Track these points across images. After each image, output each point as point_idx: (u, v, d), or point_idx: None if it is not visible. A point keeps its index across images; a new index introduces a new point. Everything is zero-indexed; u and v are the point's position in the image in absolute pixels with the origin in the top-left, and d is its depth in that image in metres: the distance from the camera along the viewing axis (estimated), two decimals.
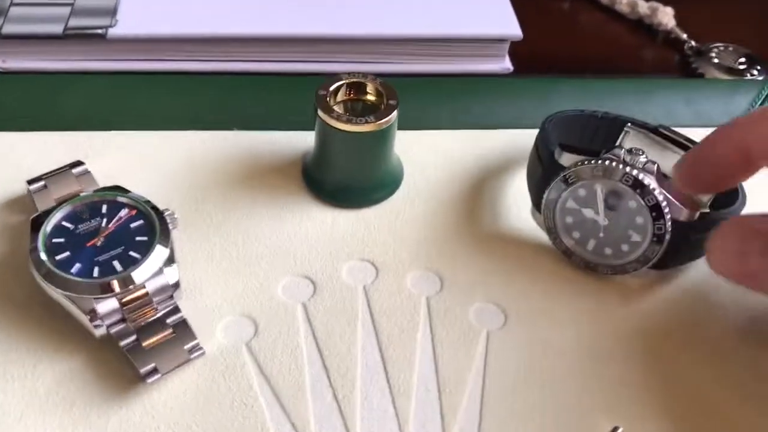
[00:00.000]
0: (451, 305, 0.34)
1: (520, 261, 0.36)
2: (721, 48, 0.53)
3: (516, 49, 0.49)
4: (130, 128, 0.40)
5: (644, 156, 0.32)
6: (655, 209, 0.32)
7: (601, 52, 0.53)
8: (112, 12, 0.46)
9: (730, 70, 0.51)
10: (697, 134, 0.43)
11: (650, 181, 0.32)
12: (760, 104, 0.45)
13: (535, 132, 0.41)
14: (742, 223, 0.30)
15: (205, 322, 0.32)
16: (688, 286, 0.35)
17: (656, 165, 0.32)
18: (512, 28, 0.48)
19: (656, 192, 0.32)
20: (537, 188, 0.36)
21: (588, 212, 0.34)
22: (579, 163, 0.33)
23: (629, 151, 0.33)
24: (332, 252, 0.36)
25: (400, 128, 0.41)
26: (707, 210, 0.34)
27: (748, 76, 0.51)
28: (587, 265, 0.35)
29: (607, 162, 0.32)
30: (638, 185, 0.32)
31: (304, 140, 0.40)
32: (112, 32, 0.45)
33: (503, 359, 0.32)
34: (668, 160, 0.37)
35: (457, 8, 0.49)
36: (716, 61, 0.52)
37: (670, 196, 0.32)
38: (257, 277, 0.34)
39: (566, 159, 0.34)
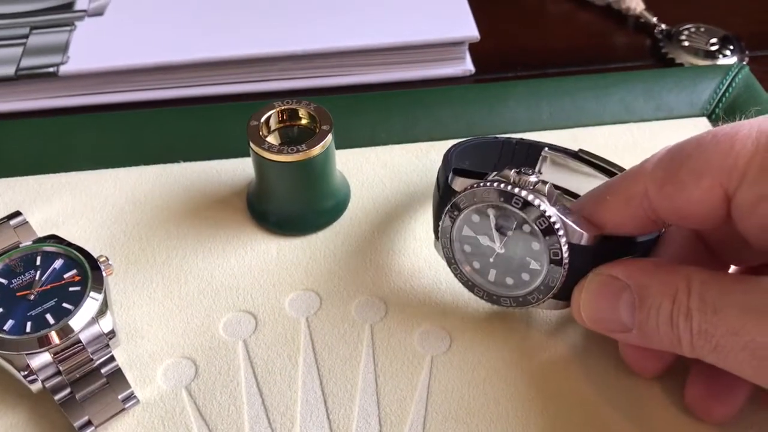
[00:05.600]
0: (396, 331, 0.33)
1: None
2: (692, 29, 0.51)
3: (480, 46, 0.48)
4: (76, 169, 0.40)
5: (534, 176, 0.30)
6: (548, 232, 0.29)
7: (570, 43, 0.52)
8: (64, 49, 0.47)
9: (702, 53, 0.50)
10: (660, 127, 0.42)
11: (540, 202, 0.29)
12: (725, 90, 0.43)
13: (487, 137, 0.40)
14: (608, 278, 0.29)
15: (146, 368, 0.32)
16: None
17: (548, 185, 0.29)
18: (467, 30, 0.47)
19: (547, 213, 0.29)
20: (435, 217, 0.33)
21: (484, 239, 0.31)
22: (468, 187, 0.30)
23: (518, 171, 0.30)
24: (276, 284, 0.35)
25: (349, 147, 0.41)
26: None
27: (721, 57, 0.49)
28: (490, 298, 0.32)
29: (495, 184, 0.30)
30: (527, 207, 0.29)
31: (251, 167, 0.39)
32: (64, 69, 0.45)
33: (447, 385, 0.32)
34: (587, 185, 0.35)
35: (411, 14, 0.48)
36: (687, 44, 0.50)
37: (566, 219, 0.29)
38: (199, 315, 0.34)
39: (459, 183, 0.31)
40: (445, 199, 0.32)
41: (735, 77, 0.43)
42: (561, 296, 0.31)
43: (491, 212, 0.30)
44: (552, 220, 0.29)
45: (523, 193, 0.29)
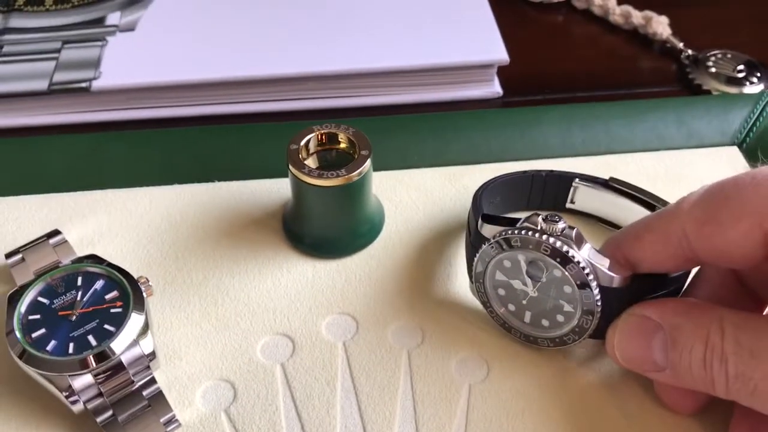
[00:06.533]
0: (433, 358, 0.34)
1: None
2: (719, 56, 0.52)
3: (508, 69, 0.48)
4: (111, 186, 0.40)
5: (562, 222, 0.30)
6: (578, 277, 0.30)
7: (596, 67, 0.52)
8: (96, 64, 0.47)
9: (729, 79, 0.50)
10: (691, 155, 0.42)
11: (569, 249, 0.30)
12: (756, 119, 0.43)
13: (520, 165, 0.40)
14: (641, 318, 0.29)
15: (185, 389, 0.33)
16: None
17: (575, 230, 0.30)
18: (498, 53, 0.48)
19: (576, 260, 0.30)
20: (468, 260, 0.34)
21: (517, 283, 0.32)
22: (497, 235, 0.31)
23: (545, 218, 0.30)
24: (312, 307, 0.35)
25: (382, 169, 0.41)
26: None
27: (748, 84, 0.49)
28: (527, 339, 0.33)
29: (523, 232, 0.30)
30: (557, 254, 0.30)
31: (286, 188, 0.40)
32: (96, 84, 0.46)
33: (485, 414, 0.32)
34: (621, 212, 0.36)
35: (442, 36, 0.48)
36: (714, 70, 0.50)
37: (595, 263, 0.30)
38: (236, 338, 0.34)
39: (488, 230, 0.32)
40: (475, 245, 0.32)
41: (766, 106, 0.43)
42: (597, 336, 0.31)
43: (521, 258, 0.31)
44: (581, 265, 0.30)
45: (551, 240, 0.30)
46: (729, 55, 0.52)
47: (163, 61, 0.47)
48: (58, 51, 0.48)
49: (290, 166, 0.35)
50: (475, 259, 0.32)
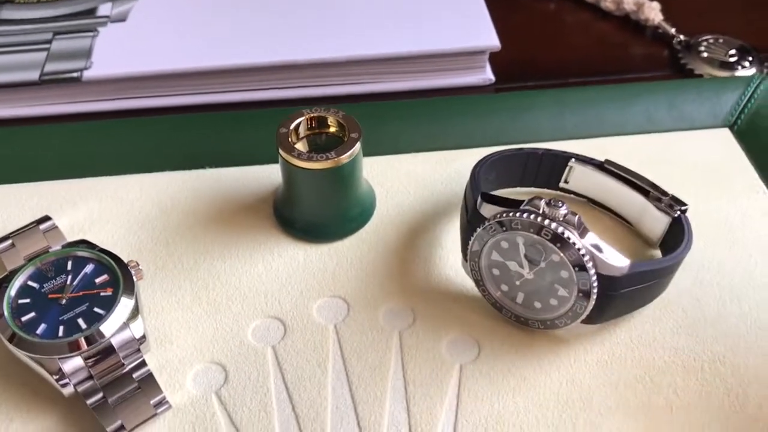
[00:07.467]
0: (424, 339, 0.34)
1: None
2: (711, 41, 0.51)
3: (500, 56, 0.48)
4: (102, 174, 0.40)
5: (564, 207, 0.30)
6: (577, 265, 0.30)
7: (588, 53, 0.52)
8: (87, 54, 0.47)
9: (721, 64, 0.50)
10: (682, 138, 0.42)
11: (570, 235, 0.29)
12: (747, 101, 0.43)
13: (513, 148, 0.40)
14: None
15: (176, 372, 0.33)
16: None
17: (577, 216, 0.30)
18: (489, 39, 0.48)
19: (577, 246, 0.29)
20: (463, 238, 0.34)
21: (512, 265, 0.32)
22: (498, 215, 0.31)
23: (548, 203, 0.30)
24: (303, 290, 0.35)
25: (373, 154, 0.41)
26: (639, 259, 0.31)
27: (739, 69, 0.49)
28: (518, 319, 0.33)
29: (525, 215, 0.30)
30: (558, 239, 0.30)
31: (277, 173, 0.40)
32: (88, 74, 0.46)
33: (477, 394, 0.32)
34: (613, 196, 0.36)
35: (433, 22, 0.48)
36: (705, 55, 0.50)
37: (595, 252, 0.30)
38: (227, 321, 0.34)
39: (488, 210, 0.31)
40: (473, 224, 0.32)
41: (757, 88, 0.43)
42: (588, 321, 0.31)
43: (520, 240, 0.31)
44: (581, 252, 0.30)
45: (553, 225, 0.30)
46: (721, 40, 0.52)
47: (154, 51, 0.47)
48: (49, 42, 0.48)
49: (280, 150, 0.35)
50: (472, 238, 0.32)
